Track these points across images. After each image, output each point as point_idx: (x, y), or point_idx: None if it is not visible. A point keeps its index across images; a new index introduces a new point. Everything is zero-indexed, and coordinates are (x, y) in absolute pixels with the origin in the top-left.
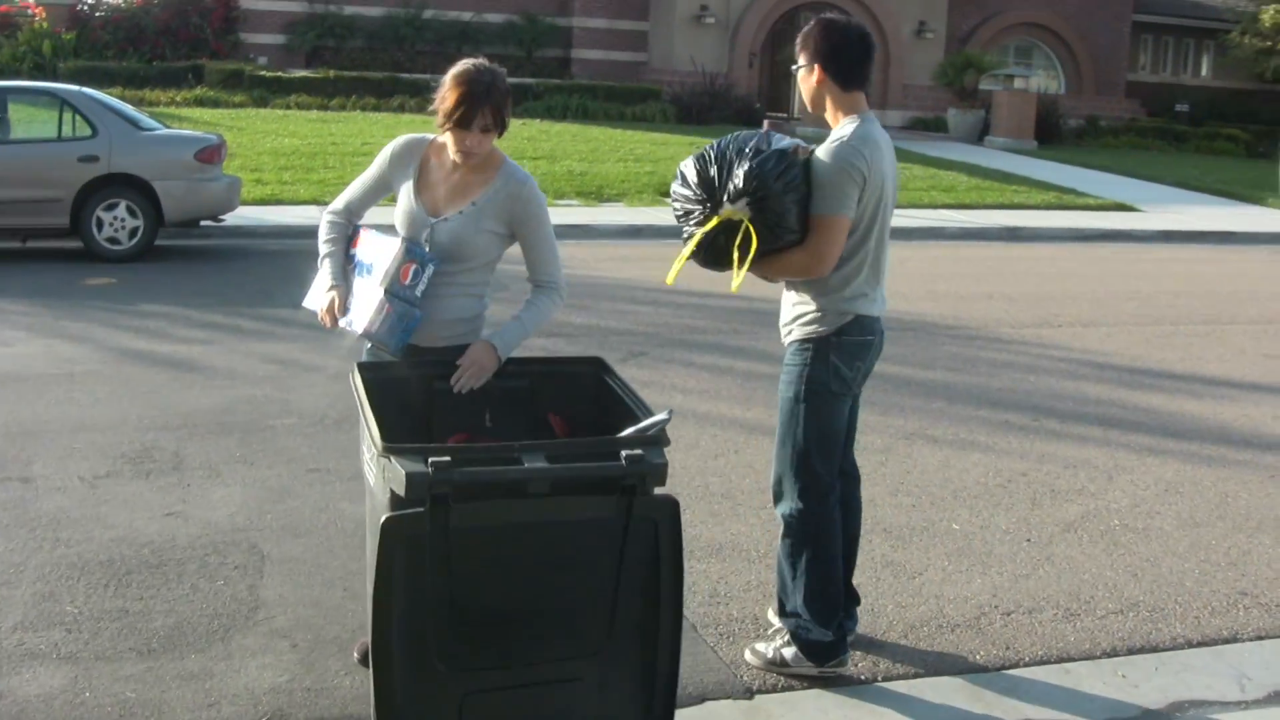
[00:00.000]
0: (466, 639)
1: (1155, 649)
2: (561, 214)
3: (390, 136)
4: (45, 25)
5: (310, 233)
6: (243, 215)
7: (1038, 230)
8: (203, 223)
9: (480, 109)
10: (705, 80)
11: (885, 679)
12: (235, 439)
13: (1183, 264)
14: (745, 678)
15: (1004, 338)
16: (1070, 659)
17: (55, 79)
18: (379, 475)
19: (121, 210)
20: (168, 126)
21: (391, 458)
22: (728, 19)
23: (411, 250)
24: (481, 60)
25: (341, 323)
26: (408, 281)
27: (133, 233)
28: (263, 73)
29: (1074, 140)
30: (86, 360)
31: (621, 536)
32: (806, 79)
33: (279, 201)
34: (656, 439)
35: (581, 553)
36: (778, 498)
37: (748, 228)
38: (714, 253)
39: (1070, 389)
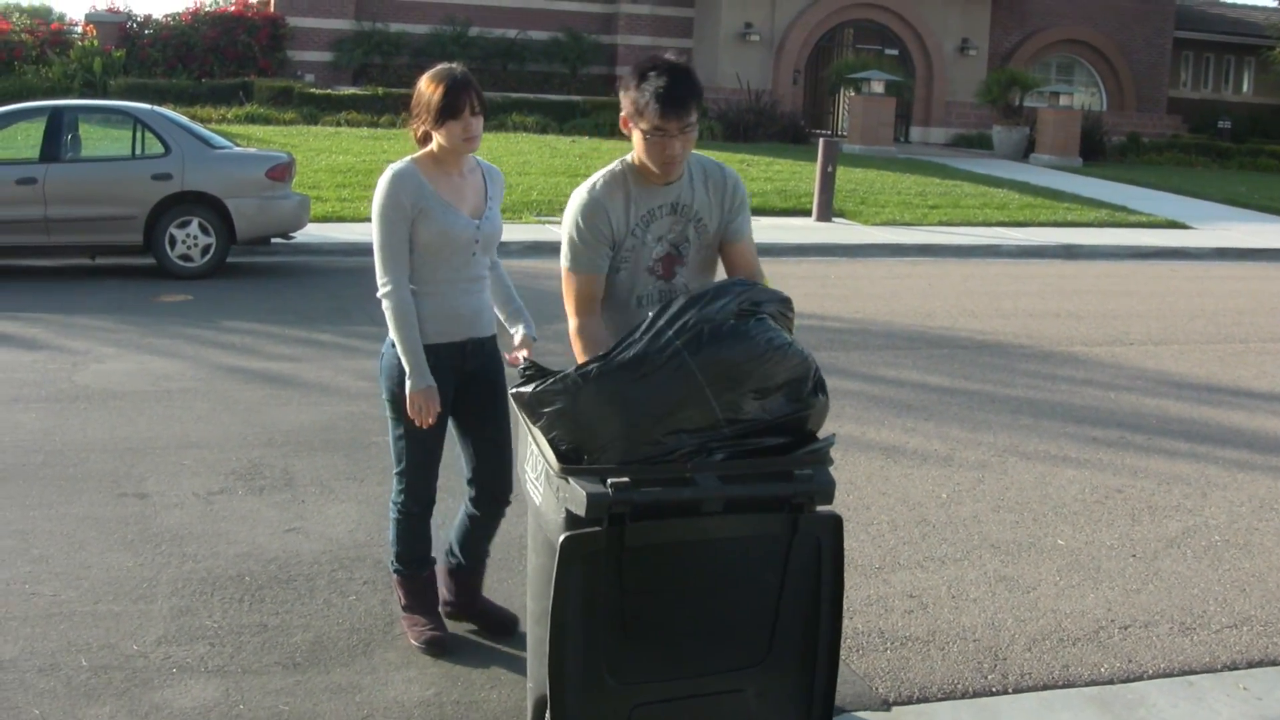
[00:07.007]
0: (636, 653)
1: (1275, 663)
2: None
3: None
4: (95, 43)
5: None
6: (307, 233)
7: (1094, 248)
8: (272, 240)
9: (470, 93)
10: (751, 97)
11: (1016, 690)
12: (341, 456)
13: (1241, 281)
14: (880, 689)
15: (1079, 356)
16: (1192, 672)
17: (105, 96)
18: (551, 495)
19: (194, 228)
20: (237, 145)
21: (570, 479)
22: (772, 36)
23: None
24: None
25: None
26: None
27: (205, 250)
28: (312, 90)
29: (1117, 157)
30: (180, 377)
31: (786, 552)
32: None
33: (340, 219)
34: (823, 458)
35: (747, 568)
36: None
37: None
38: None
39: (1152, 406)
